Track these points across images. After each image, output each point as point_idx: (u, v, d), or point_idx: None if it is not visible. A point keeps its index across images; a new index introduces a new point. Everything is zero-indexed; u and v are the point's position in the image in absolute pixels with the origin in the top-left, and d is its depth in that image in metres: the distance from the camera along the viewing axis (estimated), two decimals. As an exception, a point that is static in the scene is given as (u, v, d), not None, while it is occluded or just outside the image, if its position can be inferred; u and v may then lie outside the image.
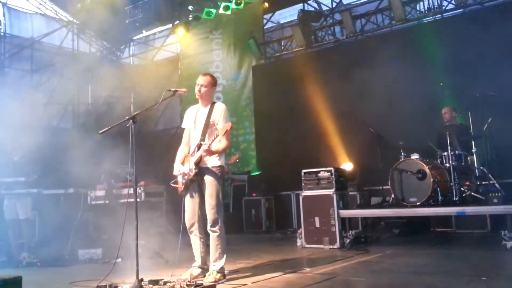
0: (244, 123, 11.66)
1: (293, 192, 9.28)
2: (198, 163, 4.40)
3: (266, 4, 11.32)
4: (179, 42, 13.36)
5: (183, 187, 4.49)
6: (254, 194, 10.09)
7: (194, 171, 4.38)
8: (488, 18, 8.14)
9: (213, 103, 4.61)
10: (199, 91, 4.56)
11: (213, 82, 4.65)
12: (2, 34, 12.32)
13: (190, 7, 11.99)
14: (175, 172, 4.55)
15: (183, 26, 12.09)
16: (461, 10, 8.88)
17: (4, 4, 12.40)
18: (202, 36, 12.31)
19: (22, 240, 6.67)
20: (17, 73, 10.78)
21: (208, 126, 4.47)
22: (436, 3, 9.11)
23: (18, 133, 6.82)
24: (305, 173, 6.88)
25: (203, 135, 4.46)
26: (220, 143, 4.42)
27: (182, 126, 4.76)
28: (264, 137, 10.88)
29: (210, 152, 4.37)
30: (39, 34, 12.70)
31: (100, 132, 4.20)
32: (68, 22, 13.08)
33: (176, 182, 4.55)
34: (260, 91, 11.16)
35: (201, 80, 4.61)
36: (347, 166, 8.01)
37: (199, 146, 4.42)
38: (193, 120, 4.61)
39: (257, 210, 9.87)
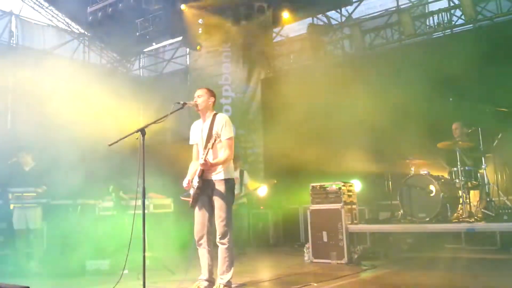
0: (252, 136, 11.66)
1: (301, 205, 9.23)
2: (200, 176, 4.42)
3: (287, 15, 11.33)
4: (188, 54, 13.48)
5: (192, 199, 4.50)
6: (261, 207, 10.05)
7: (197, 184, 4.41)
8: (498, 34, 8.13)
9: (215, 115, 4.63)
10: (196, 102, 4.59)
11: (210, 93, 4.69)
12: (14, 45, 12.50)
13: (200, 20, 12.10)
14: (184, 185, 4.57)
15: (192, 39, 12.18)
16: (471, 25, 8.88)
17: (16, 16, 12.60)
18: (212, 48, 12.40)
19: (30, 250, 6.69)
20: (28, 84, 10.89)
21: (211, 138, 4.48)
22: (445, 18, 9.11)
23: (29, 143, 6.89)
24: (313, 187, 6.86)
25: (206, 147, 4.48)
26: (223, 153, 4.44)
27: (190, 143, 4.78)
28: (272, 150, 10.85)
29: (208, 165, 4.37)
30: (51, 46, 12.88)
31: (110, 144, 4.24)
32: (80, 34, 13.27)
33: (187, 195, 4.57)
34: (268, 104, 11.18)
35: (197, 92, 4.68)
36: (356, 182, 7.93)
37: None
38: (199, 135, 4.63)
39: (264, 223, 9.82)
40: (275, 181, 8.81)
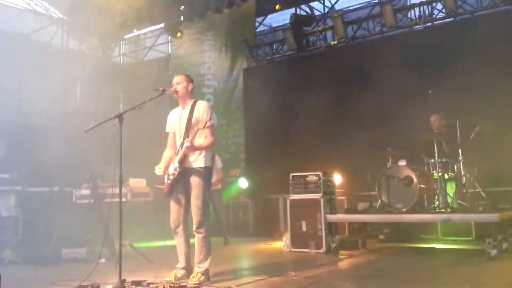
0: (234, 126, 11.61)
1: (281, 195, 9.25)
2: (182, 161, 4.36)
3: (278, 6, 11.23)
4: (170, 42, 13.31)
5: (168, 188, 4.45)
6: (241, 197, 10.06)
7: (178, 170, 4.35)
8: (477, 28, 8.22)
9: (194, 102, 4.58)
10: (176, 89, 4.54)
11: (189, 79, 4.64)
12: (-10, 29, 12.14)
13: (182, 7, 11.94)
14: (156, 172, 4.50)
15: (174, 26, 12.01)
16: (452, 19, 8.97)
17: (-7, -1, 12.24)
18: (194, 37, 12.27)
19: (4, 238, 6.56)
20: (5, 69, 10.60)
21: (191, 125, 4.43)
22: (427, 11, 9.18)
23: (2, 129, 6.72)
24: (293, 176, 6.87)
25: (187, 134, 4.42)
26: (205, 140, 4.40)
27: (166, 130, 4.70)
28: (253, 140, 10.85)
29: (193, 148, 4.33)
30: (29, 30, 12.54)
31: (86, 130, 4.15)
32: (58, 19, 12.95)
33: (162, 184, 4.52)
34: (250, 94, 11.14)
35: (176, 79, 4.61)
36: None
37: (182, 145, 4.39)
38: (177, 122, 4.57)
39: (244, 213, 9.83)
40: (239, 171, 8.87)
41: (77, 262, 5.87)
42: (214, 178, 7.79)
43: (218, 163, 8.09)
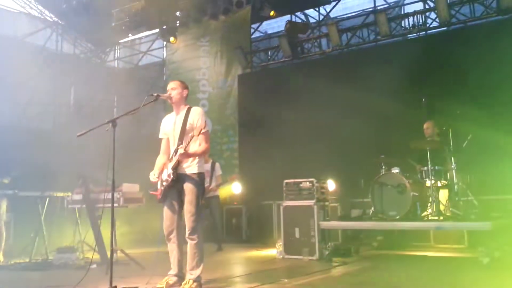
0: (228, 132, 11.62)
1: (274, 202, 9.24)
2: (175, 168, 4.35)
3: (273, 13, 11.27)
4: (165, 47, 13.32)
5: (161, 194, 4.43)
6: (235, 203, 10.03)
7: (171, 176, 4.33)
8: (470, 37, 8.31)
9: (189, 108, 4.57)
10: (170, 95, 4.54)
11: (183, 85, 4.64)
12: (-16, 32, 12.08)
13: (177, 13, 11.96)
14: (151, 178, 4.49)
15: (170, 31, 12.02)
16: (445, 28, 9.05)
17: (-13, 2, 12.19)
18: (190, 42, 12.28)
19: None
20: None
21: (185, 131, 4.42)
22: (420, 21, 9.26)
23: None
24: (286, 183, 6.87)
25: (181, 140, 4.41)
26: (199, 146, 4.40)
27: (159, 136, 4.68)
28: (247, 146, 10.84)
29: (187, 155, 4.32)
30: (23, 34, 12.50)
31: (78, 134, 4.14)
32: (53, 22, 12.91)
33: (155, 189, 4.50)
34: (245, 100, 11.15)
35: (171, 85, 4.62)
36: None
37: (176, 151, 4.38)
38: (171, 128, 4.55)
39: (238, 219, 9.80)
40: (236, 176, 8.96)
41: (68, 268, 5.81)
42: (213, 184, 7.82)
43: (218, 170, 8.11)
